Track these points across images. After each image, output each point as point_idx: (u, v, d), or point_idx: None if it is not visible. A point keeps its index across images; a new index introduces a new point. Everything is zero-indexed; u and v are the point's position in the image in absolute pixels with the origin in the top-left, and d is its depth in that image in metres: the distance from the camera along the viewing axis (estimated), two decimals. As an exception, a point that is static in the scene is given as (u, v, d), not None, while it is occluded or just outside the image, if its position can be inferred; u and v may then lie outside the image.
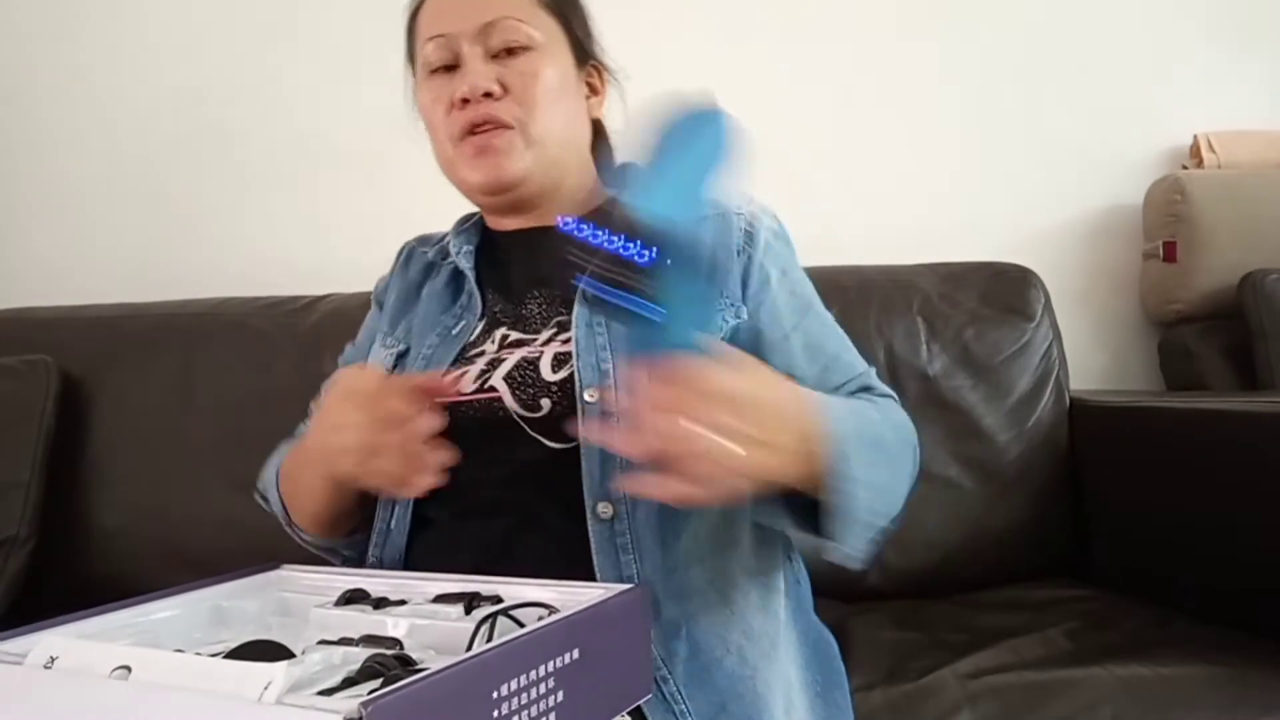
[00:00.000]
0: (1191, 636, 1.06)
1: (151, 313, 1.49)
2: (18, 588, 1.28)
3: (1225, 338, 1.59)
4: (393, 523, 0.80)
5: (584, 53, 0.85)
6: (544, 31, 0.81)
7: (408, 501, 0.80)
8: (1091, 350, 1.75)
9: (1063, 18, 1.77)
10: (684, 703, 0.67)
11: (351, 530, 0.85)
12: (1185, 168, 1.72)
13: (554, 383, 0.77)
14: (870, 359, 1.45)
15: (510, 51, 0.79)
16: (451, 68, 0.81)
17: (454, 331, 0.85)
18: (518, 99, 0.79)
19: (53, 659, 0.55)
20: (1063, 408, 1.41)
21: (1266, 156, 1.69)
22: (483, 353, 0.82)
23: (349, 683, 0.52)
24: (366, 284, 1.53)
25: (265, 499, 0.89)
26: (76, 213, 1.72)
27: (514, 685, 0.49)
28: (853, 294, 1.44)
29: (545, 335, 0.81)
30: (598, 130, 0.90)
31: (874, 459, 0.66)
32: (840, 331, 0.84)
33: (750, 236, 0.81)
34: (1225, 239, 1.60)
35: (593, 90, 0.87)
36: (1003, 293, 1.46)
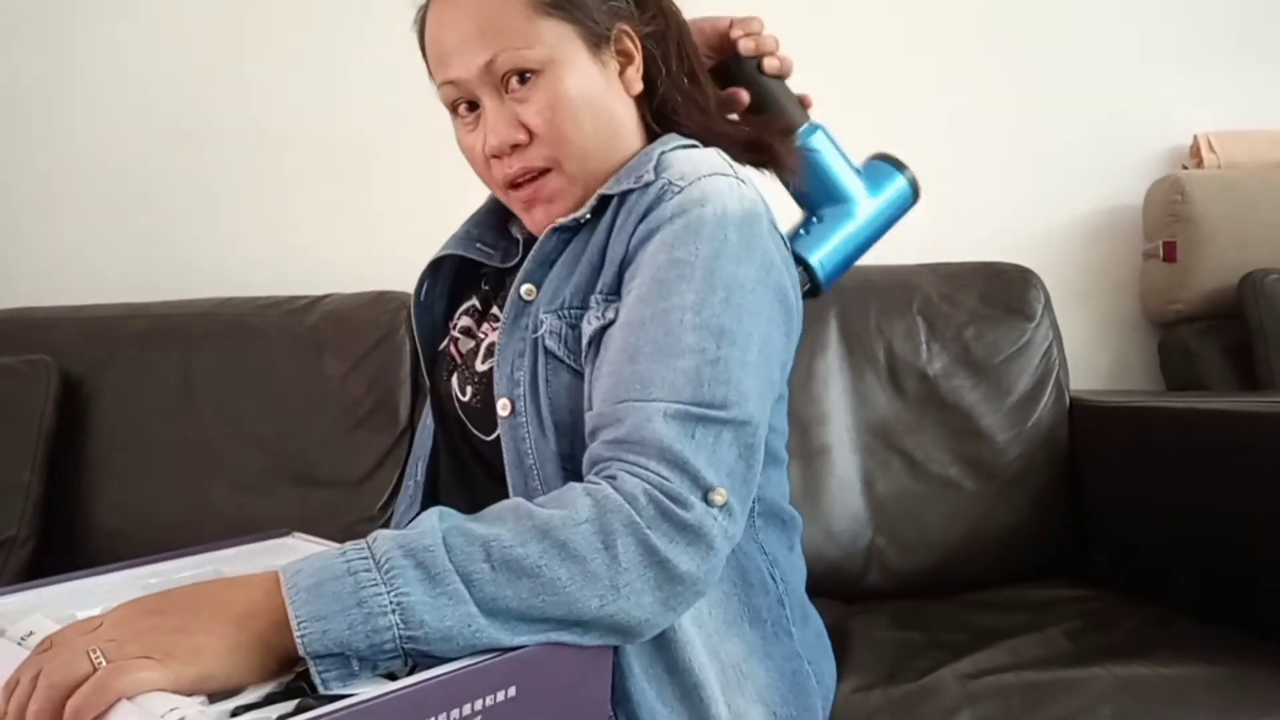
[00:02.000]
0: (1191, 636, 1.06)
1: (151, 313, 1.49)
2: (18, 588, 1.28)
3: (1225, 338, 1.59)
4: (411, 488, 0.84)
5: (601, 33, 0.77)
6: (548, 43, 0.74)
7: (417, 467, 0.85)
8: (1091, 350, 1.75)
9: (1063, 18, 1.76)
10: None
11: None
12: (1185, 168, 1.72)
13: (480, 373, 0.78)
14: (871, 358, 1.48)
15: (522, 78, 0.74)
16: (473, 104, 0.77)
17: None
18: (544, 139, 0.75)
19: (30, 634, 0.57)
20: (1063, 408, 1.41)
21: (1266, 156, 1.69)
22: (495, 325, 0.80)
23: (271, 699, 0.53)
24: (366, 284, 1.55)
25: None
26: (76, 213, 1.72)
27: None
28: (853, 294, 1.44)
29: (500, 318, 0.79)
30: (645, 88, 0.82)
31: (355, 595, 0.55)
32: (691, 346, 0.65)
33: (651, 215, 0.71)
34: (1225, 239, 1.60)
35: (626, 58, 0.79)
36: (1003, 293, 1.46)
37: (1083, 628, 1.11)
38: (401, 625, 0.54)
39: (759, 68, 0.85)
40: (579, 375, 0.71)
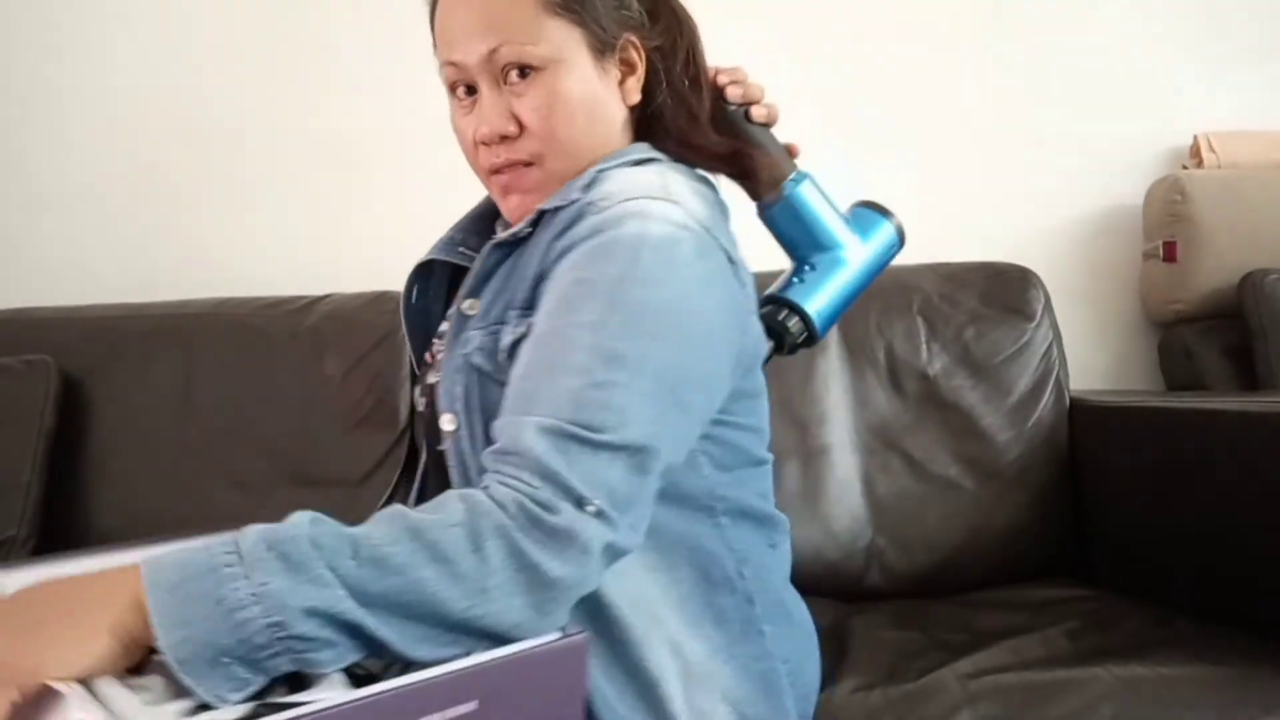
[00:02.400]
0: (1191, 636, 1.06)
1: (151, 313, 1.49)
2: (18, 588, 1.28)
3: (1225, 338, 1.59)
4: (413, 487, 0.85)
5: (607, 41, 0.78)
6: (553, 43, 0.75)
7: (418, 468, 0.86)
8: (1091, 350, 1.75)
9: (1063, 18, 1.76)
10: None
11: None
12: (1185, 168, 1.72)
13: (429, 385, 0.79)
14: (871, 358, 1.48)
15: (522, 72, 0.75)
16: (471, 88, 0.78)
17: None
18: (534, 134, 0.76)
19: None
20: (1063, 408, 1.41)
21: (1266, 156, 1.69)
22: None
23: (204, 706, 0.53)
24: (366, 284, 1.55)
25: None
26: (76, 213, 1.71)
27: None
28: (853, 294, 1.44)
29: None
30: (644, 101, 0.82)
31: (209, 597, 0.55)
32: (579, 366, 0.65)
33: (568, 233, 0.71)
34: (1225, 239, 1.60)
35: (628, 68, 0.80)
36: (1003, 293, 1.46)
37: (1083, 628, 1.11)
38: (264, 614, 0.53)
39: (746, 116, 0.85)
40: (504, 387, 0.72)
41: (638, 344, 0.65)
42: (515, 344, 0.71)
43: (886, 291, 1.45)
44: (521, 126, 0.76)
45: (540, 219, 0.75)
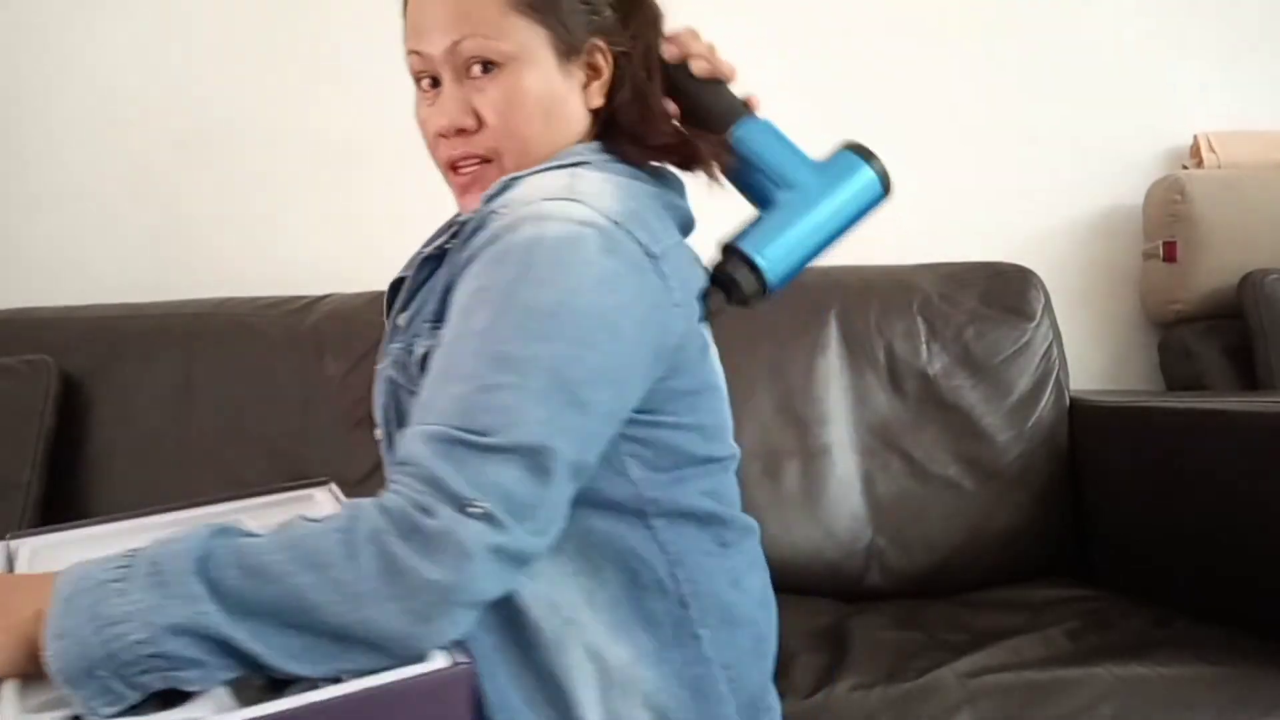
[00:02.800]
0: (1191, 636, 1.06)
1: (151, 313, 1.49)
2: (18, 588, 1.28)
3: (1225, 338, 1.60)
4: None
5: (573, 44, 0.78)
6: (517, 41, 0.75)
7: None
8: (1091, 350, 1.75)
9: (1063, 17, 1.77)
10: None
11: None
12: (1185, 168, 1.72)
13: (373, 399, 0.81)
14: (871, 358, 1.48)
15: (485, 67, 0.76)
16: (436, 80, 0.79)
17: None
18: (492, 129, 0.76)
19: None
20: (1063, 408, 1.41)
21: (1266, 156, 1.69)
22: None
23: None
24: (366, 284, 1.54)
25: None
26: (76, 213, 1.71)
27: None
28: (853, 294, 1.44)
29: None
30: (606, 103, 0.82)
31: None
32: (467, 373, 0.65)
33: (470, 243, 0.71)
34: (1225, 239, 1.60)
35: (594, 72, 0.80)
36: (1003, 293, 1.46)
37: (1083, 628, 1.11)
38: (132, 631, 0.55)
39: (690, 74, 0.82)
40: None
41: (528, 346, 0.65)
42: (426, 356, 0.71)
43: (886, 291, 1.46)
44: (480, 121, 0.77)
45: (459, 230, 0.75)
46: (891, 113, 1.75)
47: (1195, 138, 1.71)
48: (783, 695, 0.98)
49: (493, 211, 0.71)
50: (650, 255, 0.72)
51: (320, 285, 1.54)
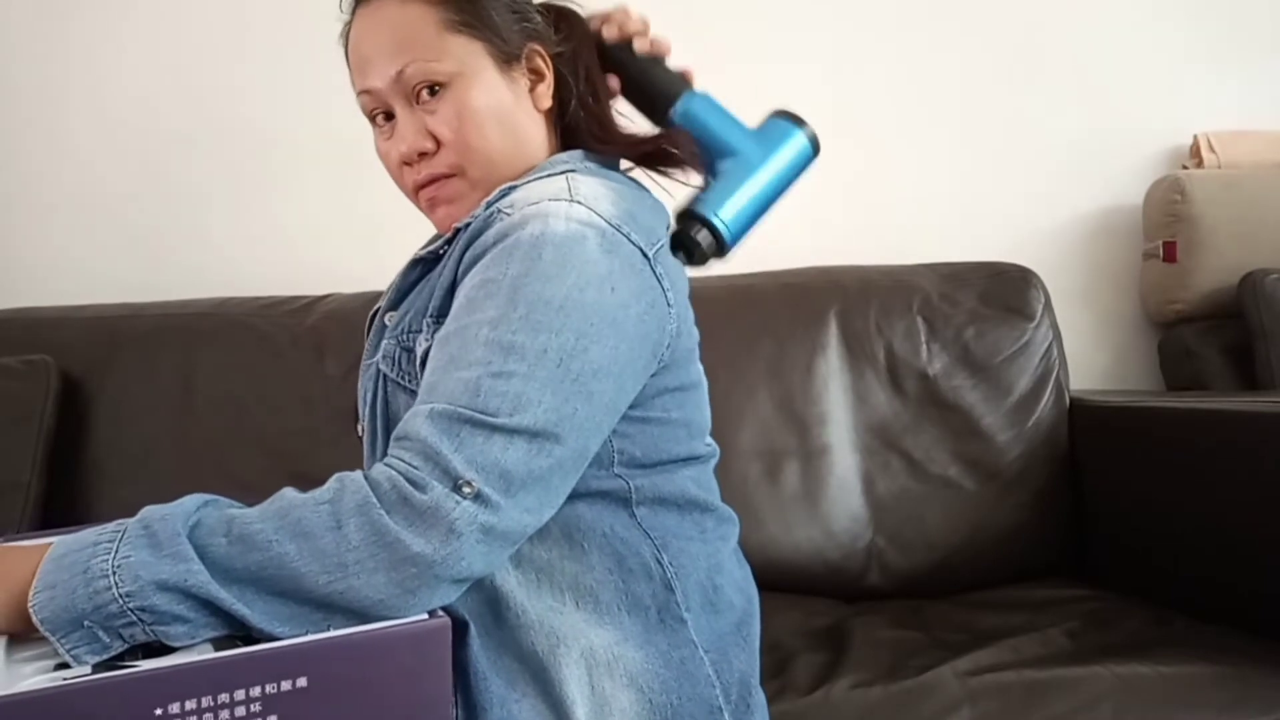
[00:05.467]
0: (1191, 636, 1.06)
1: (151, 313, 1.49)
2: (18, 587, 1.28)
3: (1225, 338, 1.60)
4: None
5: (511, 52, 0.82)
6: (456, 58, 0.79)
7: None
8: (1091, 350, 1.75)
9: (1063, 17, 1.77)
10: None
11: None
12: (1185, 168, 1.72)
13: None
14: (871, 358, 1.48)
15: (432, 90, 0.79)
16: (389, 114, 0.83)
17: None
18: (450, 146, 0.80)
19: None
20: (1063, 408, 1.41)
21: (1266, 156, 1.69)
22: None
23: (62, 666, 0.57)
24: (366, 284, 1.54)
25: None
26: (77, 213, 1.71)
27: (188, 705, 0.51)
28: (853, 294, 1.44)
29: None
30: (558, 103, 0.86)
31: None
32: (477, 359, 0.67)
33: (477, 241, 0.74)
34: (1225, 239, 1.60)
35: (537, 75, 0.84)
36: (1003, 293, 1.46)
37: (1083, 627, 1.11)
38: (119, 585, 0.58)
39: (632, 53, 0.87)
40: (414, 395, 0.73)
41: (538, 337, 0.67)
42: (429, 351, 0.73)
43: (886, 291, 1.46)
44: (438, 142, 0.80)
45: (456, 235, 0.78)
46: (891, 113, 1.75)
47: (1195, 138, 1.71)
48: (782, 693, 0.99)
49: (498, 210, 0.74)
50: (646, 256, 0.75)
51: (320, 285, 1.54)
